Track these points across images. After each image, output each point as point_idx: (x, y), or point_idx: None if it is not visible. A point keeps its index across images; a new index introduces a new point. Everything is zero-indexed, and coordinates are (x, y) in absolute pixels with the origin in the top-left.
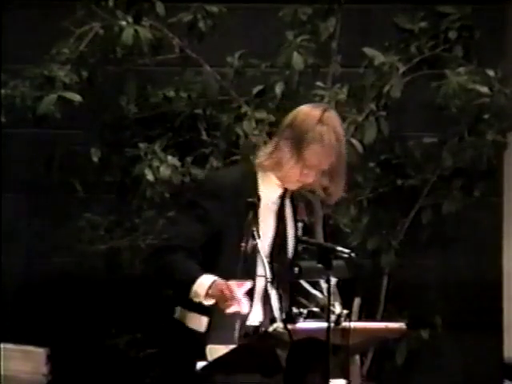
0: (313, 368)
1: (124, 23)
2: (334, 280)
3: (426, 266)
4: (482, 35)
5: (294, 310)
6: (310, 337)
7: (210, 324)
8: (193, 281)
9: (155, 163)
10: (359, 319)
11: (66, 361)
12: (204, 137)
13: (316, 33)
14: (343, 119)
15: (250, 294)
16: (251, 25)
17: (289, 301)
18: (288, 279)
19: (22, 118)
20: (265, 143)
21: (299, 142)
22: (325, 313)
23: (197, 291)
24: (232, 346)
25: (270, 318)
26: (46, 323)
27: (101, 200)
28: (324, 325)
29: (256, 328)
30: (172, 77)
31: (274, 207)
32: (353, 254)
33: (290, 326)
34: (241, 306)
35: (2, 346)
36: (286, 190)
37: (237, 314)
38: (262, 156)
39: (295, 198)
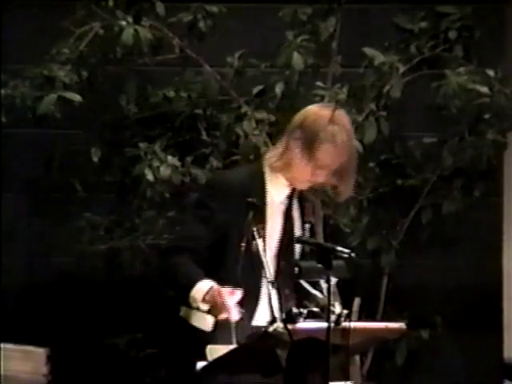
0: (313, 368)
1: (124, 23)
2: (333, 280)
3: (426, 266)
4: (482, 35)
5: (294, 309)
6: (310, 337)
7: (216, 323)
8: (192, 285)
9: (155, 163)
10: (359, 319)
11: (66, 361)
12: (204, 137)
13: (316, 33)
14: None
15: (256, 293)
16: (251, 25)
17: (295, 301)
18: (294, 279)
19: (22, 118)
20: (271, 144)
21: (311, 142)
22: (325, 313)
23: (194, 296)
24: (232, 346)
25: (271, 318)
26: (46, 323)
27: (101, 200)
28: (324, 325)
29: (264, 328)
30: (172, 77)
31: (282, 207)
32: (353, 254)
33: (289, 326)
34: (230, 314)
35: (2, 345)
36: (293, 190)
37: (243, 315)
38: (273, 157)
39: (303, 199)
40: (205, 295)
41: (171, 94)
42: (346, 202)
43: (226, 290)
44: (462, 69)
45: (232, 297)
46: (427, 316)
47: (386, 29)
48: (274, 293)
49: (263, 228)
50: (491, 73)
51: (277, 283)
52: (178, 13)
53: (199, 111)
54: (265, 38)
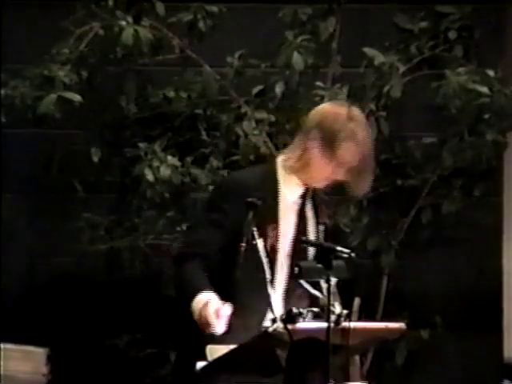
0: (313, 368)
1: (124, 23)
2: (334, 280)
3: (426, 266)
4: (482, 35)
5: (294, 309)
6: (310, 337)
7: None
8: (193, 296)
9: (155, 163)
10: (359, 319)
11: (66, 361)
12: (204, 137)
13: (316, 33)
14: None
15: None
16: (251, 25)
17: (308, 301)
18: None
19: (22, 118)
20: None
21: (331, 141)
22: (325, 313)
23: (193, 307)
24: (232, 346)
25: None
26: (46, 323)
27: (101, 200)
28: (324, 325)
29: (264, 328)
30: (172, 77)
31: (295, 207)
32: (353, 254)
33: (289, 326)
34: (212, 328)
35: (2, 346)
36: (307, 190)
37: (256, 314)
38: (290, 159)
39: (316, 200)
40: (201, 308)
41: (171, 94)
42: (345, 202)
43: (213, 305)
44: (461, 69)
45: (218, 312)
46: (427, 316)
47: (385, 29)
48: (273, 293)
49: (276, 228)
50: (491, 73)
51: (290, 283)
52: (177, 13)
53: (199, 111)
54: (265, 38)
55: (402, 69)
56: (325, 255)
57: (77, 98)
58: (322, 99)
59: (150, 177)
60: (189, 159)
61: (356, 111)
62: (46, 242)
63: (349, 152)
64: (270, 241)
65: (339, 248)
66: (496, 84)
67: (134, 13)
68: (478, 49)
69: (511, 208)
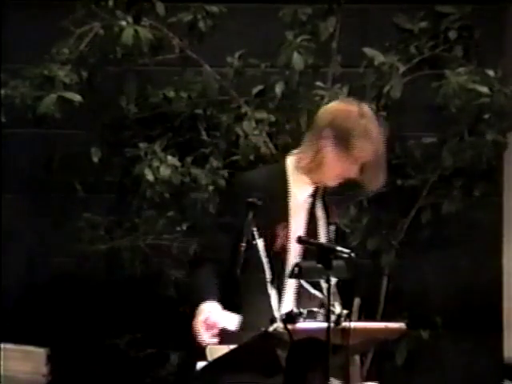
0: (313, 368)
1: (124, 23)
2: (334, 280)
3: (426, 266)
4: (482, 35)
5: (294, 309)
6: (310, 337)
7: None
8: (198, 305)
9: (155, 163)
10: (359, 319)
11: (66, 361)
12: (204, 137)
13: (316, 33)
14: None
15: (280, 291)
16: (251, 25)
17: (319, 300)
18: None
19: (21, 117)
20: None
21: (345, 139)
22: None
23: (196, 316)
24: (232, 346)
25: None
26: (46, 323)
27: (101, 200)
28: (324, 325)
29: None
30: (172, 77)
31: (306, 206)
32: (353, 254)
33: (289, 326)
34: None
35: (2, 346)
36: (317, 189)
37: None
38: (303, 160)
39: (327, 200)
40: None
41: (171, 94)
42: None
43: (204, 315)
44: (461, 69)
45: (207, 323)
46: (427, 316)
47: (385, 29)
48: (273, 293)
49: (286, 227)
50: (491, 73)
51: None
52: (178, 13)
53: (199, 111)
54: (265, 38)
55: (402, 69)
56: (325, 255)
57: (77, 98)
58: (322, 99)
59: (150, 177)
60: (189, 159)
61: (366, 108)
62: (46, 242)
63: (363, 148)
64: (280, 240)
65: (339, 248)
66: (496, 84)
67: (134, 13)
68: (477, 49)
69: (511, 208)
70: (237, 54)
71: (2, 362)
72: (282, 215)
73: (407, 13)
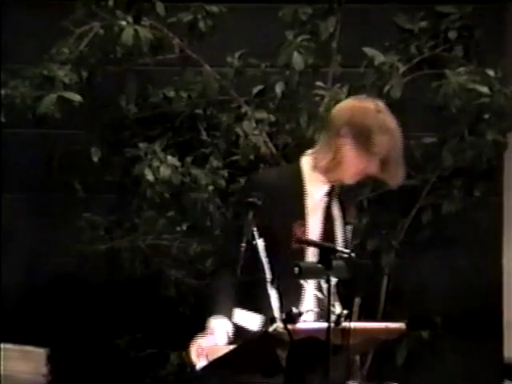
0: (313, 368)
1: (124, 23)
2: (334, 280)
3: (426, 266)
4: (482, 35)
5: (294, 310)
6: (310, 337)
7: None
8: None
9: (155, 163)
10: (359, 319)
11: (66, 361)
12: (204, 137)
13: (316, 33)
14: None
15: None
16: (251, 25)
17: (338, 298)
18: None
19: (22, 117)
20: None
21: (365, 135)
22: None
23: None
24: (232, 346)
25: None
26: (46, 323)
27: (101, 200)
28: (324, 325)
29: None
30: (172, 77)
31: (322, 205)
32: (353, 254)
33: (289, 326)
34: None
35: (2, 346)
36: (332, 188)
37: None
38: (322, 159)
39: (343, 200)
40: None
41: (171, 94)
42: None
43: (198, 343)
44: (461, 69)
45: (199, 351)
46: (427, 316)
47: (386, 29)
48: (273, 293)
49: (304, 226)
50: (491, 73)
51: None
52: (178, 13)
53: (199, 111)
54: (265, 38)
55: (402, 69)
56: (325, 255)
57: (77, 98)
58: (322, 99)
59: (150, 177)
60: (189, 159)
61: (381, 103)
62: (46, 242)
63: (383, 144)
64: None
65: (339, 248)
66: (496, 84)
67: (134, 13)
68: (478, 49)
69: (511, 208)
70: (237, 54)
71: (2, 362)
72: (299, 214)
73: (407, 13)
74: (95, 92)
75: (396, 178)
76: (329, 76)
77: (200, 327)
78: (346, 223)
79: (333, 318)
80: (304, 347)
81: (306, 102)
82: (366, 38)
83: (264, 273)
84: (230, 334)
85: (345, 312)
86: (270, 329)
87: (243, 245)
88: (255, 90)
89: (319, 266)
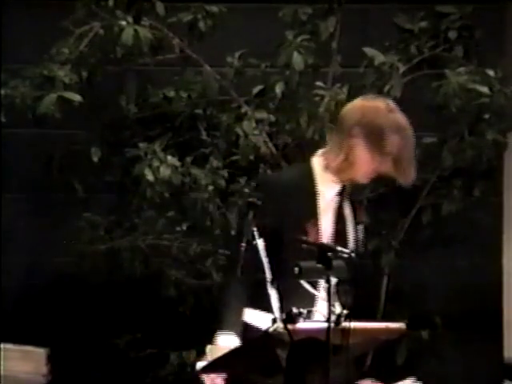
0: (313, 368)
1: (124, 23)
2: (334, 280)
3: (426, 266)
4: (482, 35)
5: (294, 310)
6: (310, 337)
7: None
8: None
9: (155, 163)
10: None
11: (66, 361)
12: (204, 137)
13: (316, 33)
14: None
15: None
16: (251, 25)
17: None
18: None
19: (22, 117)
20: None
21: (378, 135)
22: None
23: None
24: (232, 346)
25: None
26: (46, 323)
27: (101, 200)
28: (324, 325)
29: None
30: (172, 77)
31: (333, 205)
32: (353, 254)
33: (289, 326)
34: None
35: (2, 346)
36: (343, 188)
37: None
38: (334, 160)
39: (354, 200)
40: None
41: (171, 94)
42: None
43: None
44: (461, 69)
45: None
46: (427, 316)
47: (385, 29)
48: (273, 293)
49: (316, 225)
50: (491, 73)
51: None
52: (178, 13)
53: (199, 111)
54: (265, 38)
55: (402, 69)
56: (325, 255)
57: (77, 97)
58: (322, 99)
59: (150, 177)
60: (189, 159)
61: (390, 101)
62: (46, 242)
63: (395, 143)
64: (310, 239)
65: (339, 248)
66: (496, 84)
67: (134, 13)
68: (478, 49)
69: (511, 208)
70: (237, 54)
71: (2, 362)
72: (312, 214)
73: (407, 13)
74: (95, 92)
75: (408, 176)
76: (329, 76)
77: (200, 327)
78: (357, 223)
79: (333, 318)
80: (304, 347)
81: (306, 102)
82: (366, 38)
83: (264, 273)
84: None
85: (345, 312)
86: (270, 329)
87: (243, 245)
88: (255, 90)
89: (319, 266)
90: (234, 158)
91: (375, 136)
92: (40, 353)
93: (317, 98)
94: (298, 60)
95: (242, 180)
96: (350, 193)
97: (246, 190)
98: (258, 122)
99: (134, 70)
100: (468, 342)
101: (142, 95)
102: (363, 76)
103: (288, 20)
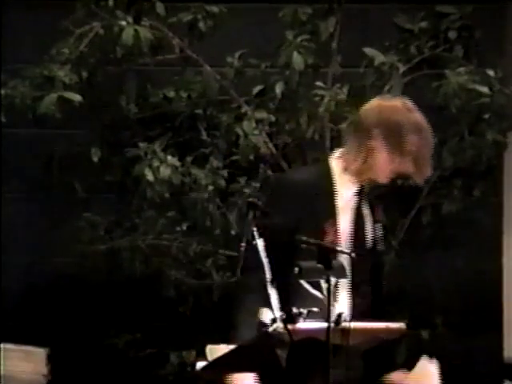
0: (313, 368)
1: (124, 23)
2: (333, 280)
3: (426, 266)
4: (482, 35)
5: (294, 310)
6: (310, 337)
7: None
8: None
9: (155, 163)
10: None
11: (66, 361)
12: (204, 137)
13: (316, 33)
14: (343, 119)
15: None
16: (251, 25)
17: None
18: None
19: (22, 117)
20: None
21: (398, 135)
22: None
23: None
24: (232, 346)
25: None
26: (46, 323)
27: (101, 200)
28: (324, 325)
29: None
30: (172, 77)
31: (351, 205)
32: (353, 254)
33: (289, 326)
34: None
35: (2, 346)
36: (362, 187)
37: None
38: (353, 162)
39: (372, 200)
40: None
41: (171, 94)
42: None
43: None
44: (461, 69)
45: None
46: (427, 316)
47: (386, 29)
48: (273, 293)
49: (335, 225)
50: (491, 73)
51: (353, 281)
52: (178, 13)
53: (199, 111)
54: (265, 38)
55: (402, 69)
56: (325, 255)
57: (77, 98)
58: (322, 99)
59: (150, 177)
60: (189, 159)
61: (407, 101)
62: (46, 242)
63: (415, 142)
64: (329, 239)
65: (339, 248)
66: (496, 84)
67: (134, 13)
68: (477, 49)
69: (511, 208)
70: (237, 54)
71: (2, 362)
72: (330, 214)
73: (407, 13)
74: (95, 92)
75: (425, 174)
76: (329, 76)
77: (200, 327)
78: (375, 221)
79: (333, 317)
80: (304, 347)
81: (306, 102)
82: (366, 38)
83: (264, 273)
84: None
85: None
86: (270, 329)
87: (243, 245)
88: (255, 90)
89: (319, 265)
90: (234, 157)
91: (395, 137)
92: (40, 353)
93: (317, 98)
94: (297, 60)
95: (242, 180)
96: (367, 192)
97: (246, 190)
98: (258, 122)
99: (134, 69)
100: (468, 342)
101: (142, 95)
102: (363, 76)
103: (288, 20)
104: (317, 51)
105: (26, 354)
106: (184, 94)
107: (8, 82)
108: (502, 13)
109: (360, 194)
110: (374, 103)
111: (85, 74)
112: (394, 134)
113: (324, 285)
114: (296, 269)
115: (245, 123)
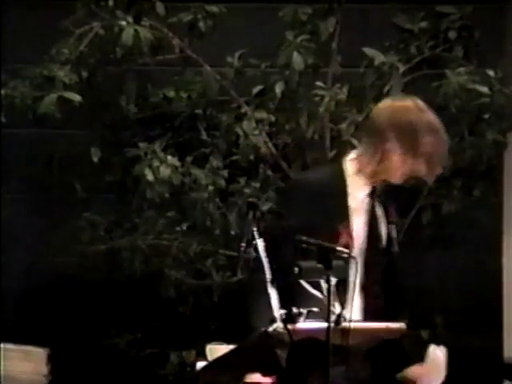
0: (313, 368)
1: (124, 23)
2: (334, 280)
3: (426, 265)
4: (482, 35)
5: (294, 310)
6: (310, 337)
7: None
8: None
9: (155, 163)
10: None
11: (66, 361)
12: (204, 137)
13: (316, 33)
14: (343, 119)
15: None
16: (251, 25)
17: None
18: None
19: (22, 117)
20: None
21: (413, 136)
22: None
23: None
24: (232, 346)
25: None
26: (46, 323)
27: (101, 200)
28: (324, 325)
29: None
30: (172, 77)
31: (365, 206)
32: (353, 255)
33: (289, 326)
34: None
35: (2, 345)
36: (374, 189)
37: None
38: (368, 165)
39: (384, 200)
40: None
41: (171, 94)
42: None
43: None
44: (461, 69)
45: None
46: (427, 316)
47: (385, 29)
48: (273, 293)
49: (348, 226)
50: (491, 73)
51: (366, 281)
52: (178, 13)
53: (199, 111)
54: (265, 38)
55: (402, 69)
56: (325, 255)
57: (77, 98)
58: (322, 99)
59: (150, 177)
60: (189, 159)
61: (419, 100)
62: (46, 242)
63: (429, 143)
64: (343, 239)
65: (339, 248)
66: (496, 84)
67: (134, 13)
68: (477, 49)
69: (511, 208)
70: (237, 54)
71: (2, 362)
72: (344, 216)
73: (407, 13)
74: (95, 92)
75: (436, 173)
76: (329, 76)
77: (200, 327)
78: (389, 222)
79: (333, 317)
80: (304, 347)
81: (306, 102)
82: (366, 38)
83: (264, 273)
84: None
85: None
86: (270, 329)
87: (243, 245)
88: (255, 90)
89: (319, 265)
90: (234, 157)
91: (409, 139)
92: (40, 353)
93: (317, 98)
94: (297, 60)
95: (242, 180)
96: (380, 193)
97: (246, 190)
98: (258, 122)
99: (134, 69)
100: (468, 342)
101: (142, 95)
102: (363, 76)
103: (288, 20)
104: (317, 51)
105: (26, 354)
106: (184, 94)
107: (8, 82)
108: (502, 13)
109: (372, 195)
110: (386, 104)
111: (85, 74)
112: (407, 136)
113: (324, 285)
114: (296, 269)
115: (245, 123)
